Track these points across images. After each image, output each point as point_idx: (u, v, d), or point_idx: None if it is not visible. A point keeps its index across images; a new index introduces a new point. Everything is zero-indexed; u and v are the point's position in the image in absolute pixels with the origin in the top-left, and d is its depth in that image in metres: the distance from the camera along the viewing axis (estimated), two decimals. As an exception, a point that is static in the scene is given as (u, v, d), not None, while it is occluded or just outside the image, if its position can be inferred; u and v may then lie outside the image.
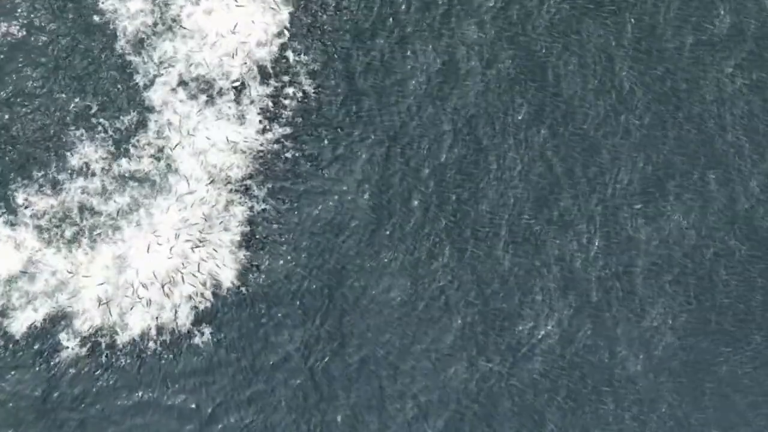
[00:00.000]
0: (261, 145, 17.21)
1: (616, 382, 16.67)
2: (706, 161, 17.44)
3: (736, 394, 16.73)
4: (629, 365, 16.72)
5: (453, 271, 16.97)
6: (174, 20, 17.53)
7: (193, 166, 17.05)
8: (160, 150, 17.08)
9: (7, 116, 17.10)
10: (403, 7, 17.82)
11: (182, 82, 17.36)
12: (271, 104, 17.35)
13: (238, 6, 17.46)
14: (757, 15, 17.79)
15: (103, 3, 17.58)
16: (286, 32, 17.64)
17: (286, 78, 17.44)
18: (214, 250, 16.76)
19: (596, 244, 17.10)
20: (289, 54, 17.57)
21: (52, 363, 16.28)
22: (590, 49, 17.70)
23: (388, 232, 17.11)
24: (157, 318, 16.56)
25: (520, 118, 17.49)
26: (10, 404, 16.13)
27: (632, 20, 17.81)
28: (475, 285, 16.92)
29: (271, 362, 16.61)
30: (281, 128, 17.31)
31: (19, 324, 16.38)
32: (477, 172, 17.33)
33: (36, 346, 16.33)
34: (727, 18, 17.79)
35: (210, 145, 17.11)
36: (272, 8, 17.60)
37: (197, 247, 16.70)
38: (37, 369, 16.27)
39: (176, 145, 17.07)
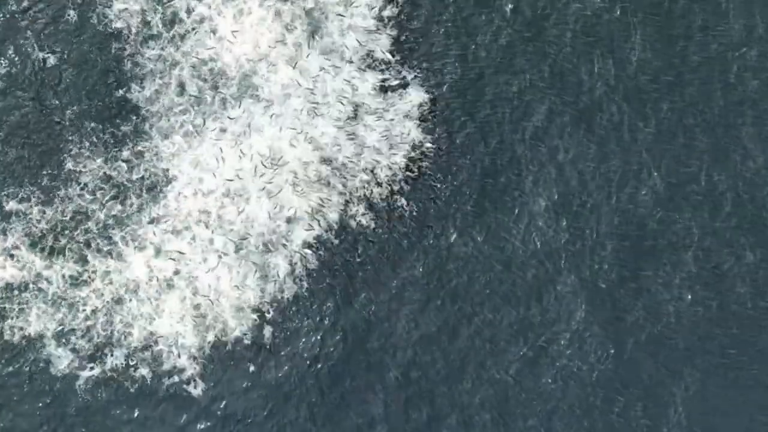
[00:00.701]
0: (270, 151, 16.76)
1: (624, 389, 16.61)
2: (715, 166, 17.30)
3: (743, 396, 16.73)
4: (638, 371, 16.67)
5: (465, 276, 16.78)
6: (175, 19, 17.03)
7: (193, 172, 16.67)
8: (159, 155, 16.66)
9: (-3, 120, 16.73)
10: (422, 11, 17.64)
11: (182, 85, 16.94)
12: (276, 108, 16.93)
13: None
14: (764, 15, 17.67)
15: (100, 5, 17.05)
16: (292, 36, 17.23)
17: (291, 83, 17.04)
18: (214, 256, 16.46)
19: (607, 248, 16.97)
20: (293, 58, 17.14)
21: (47, 374, 15.98)
22: (601, 53, 17.49)
23: (402, 241, 16.86)
24: (158, 328, 16.28)
25: (533, 124, 17.27)
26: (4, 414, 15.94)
27: (645, 23, 17.65)
28: (485, 292, 16.76)
29: (281, 371, 16.39)
30: (289, 133, 16.89)
31: (12, 333, 16.04)
32: (490, 180, 17.13)
33: (31, 357, 16.01)
34: (735, 19, 17.67)
35: (214, 150, 16.72)
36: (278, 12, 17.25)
37: (221, 256, 16.48)
38: (32, 380, 15.98)
39: (175, 149, 16.73)
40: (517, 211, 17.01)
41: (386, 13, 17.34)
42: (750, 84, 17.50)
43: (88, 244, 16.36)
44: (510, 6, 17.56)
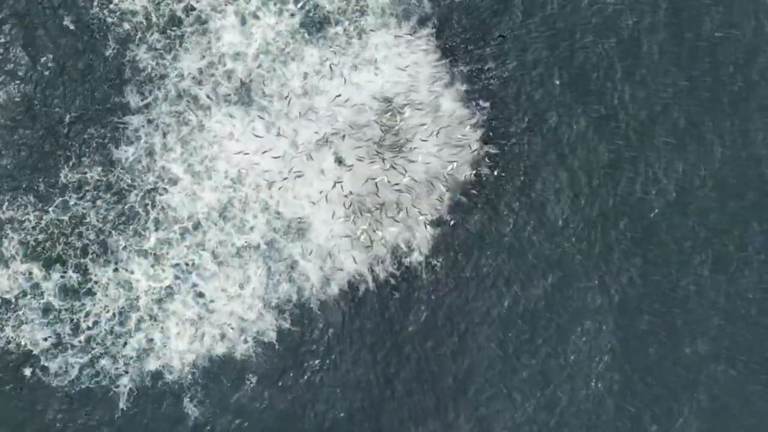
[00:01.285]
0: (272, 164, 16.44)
1: (633, 396, 16.51)
2: (725, 170, 17.15)
3: (751, 401, 16.67)
4: (646, 377, 16.59)
5: (473, 282, 16.60)
6: (175, 23, 16.55)
7: (192, 177, 16.30)
8: (158, 159, 16.26)
9: (-8, 126, 16.25)
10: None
11: (182, 88, 16.49)
12: (278, 109, 16.56)
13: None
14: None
15: (97, 7, 16.54)
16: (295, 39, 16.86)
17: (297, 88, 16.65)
18: (216, 262, 16.17)
19: (616, 254, 16.82)
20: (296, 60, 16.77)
21: (42, 382, 15.72)
22: (617, 57, 17.25)
23: (410, 249, 16.61)
24: (156, 336, 16.01)
25: (546, 130, 17.01)
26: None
27: (657, 28, 17.43)
28: (495, 298, 16.61)
29: (279, 380, 16.19)
30: (293, 136, 16.58)
31: (8, 341, 15.73)
32: (502, 185, 16.90)
33: (26, 366, 15.73)
34: (746, 25, 17.41)
35: (215, 153, 16.36)
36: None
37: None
38: (27, 388, 15.73)
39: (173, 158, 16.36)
40: (528, 216, 16.79)
41: (394, 17, 17.09)
42: (760, 88, 17.30)
43: (85, 252, 15.97)
44: (527, 12, 17.30)
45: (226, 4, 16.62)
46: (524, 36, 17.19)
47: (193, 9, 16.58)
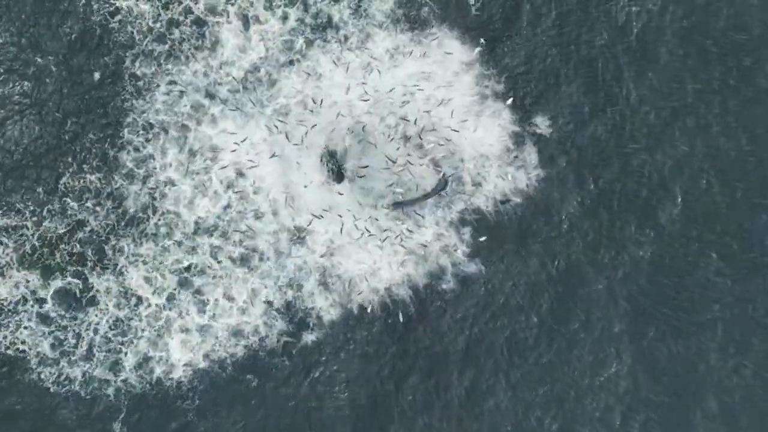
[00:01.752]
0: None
1: (641, 404, 16.46)
2: (734, 175, 16.99)
3: (757, 402, 16.61)
4: (655, 384, 16.54)
5: (485, 293, 16.50)
6: (177, 27, 16.29)
7: (191, 182, 16.13)
8: (158, 166, 16.06)
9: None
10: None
11: (183, 93, 16.28)
12: (280, 112, 16.34)
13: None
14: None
15: (98, 13, 16.27)
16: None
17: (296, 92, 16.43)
18: (217, 267, 16.03)
19: (625, 262, 16.72)
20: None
21: (39, 388, 15.64)
22: (629, 62, 17.07)
23: (428, 260, 16.51)
24: (155, 345, 15.91)
25: (558, 136, 16.87)
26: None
27: (667, 32, 17.24)
28: (506, 306, 16.53)
29: (273, 394, 16.12)
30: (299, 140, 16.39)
31: (7, 346, 15.60)
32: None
33: (25, 371, 15.63)
34: (757, 28, 17.23)
35: (212, 156, 16.21)
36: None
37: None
38: (25, 393, 15.64)
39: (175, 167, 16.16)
40: (533, 219, 16.66)
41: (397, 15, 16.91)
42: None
43: (85, 260, 15.79)
44: (536, 13, 17.10)
45: (227, 4, 16.34)
46: (532, 38, 17.03)
47: (192, 13, 16.34)
